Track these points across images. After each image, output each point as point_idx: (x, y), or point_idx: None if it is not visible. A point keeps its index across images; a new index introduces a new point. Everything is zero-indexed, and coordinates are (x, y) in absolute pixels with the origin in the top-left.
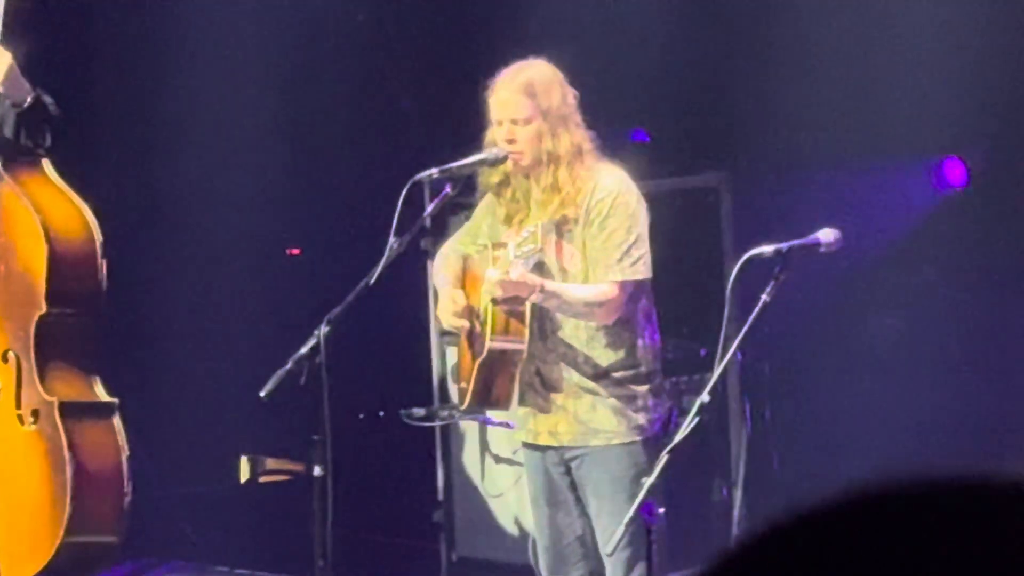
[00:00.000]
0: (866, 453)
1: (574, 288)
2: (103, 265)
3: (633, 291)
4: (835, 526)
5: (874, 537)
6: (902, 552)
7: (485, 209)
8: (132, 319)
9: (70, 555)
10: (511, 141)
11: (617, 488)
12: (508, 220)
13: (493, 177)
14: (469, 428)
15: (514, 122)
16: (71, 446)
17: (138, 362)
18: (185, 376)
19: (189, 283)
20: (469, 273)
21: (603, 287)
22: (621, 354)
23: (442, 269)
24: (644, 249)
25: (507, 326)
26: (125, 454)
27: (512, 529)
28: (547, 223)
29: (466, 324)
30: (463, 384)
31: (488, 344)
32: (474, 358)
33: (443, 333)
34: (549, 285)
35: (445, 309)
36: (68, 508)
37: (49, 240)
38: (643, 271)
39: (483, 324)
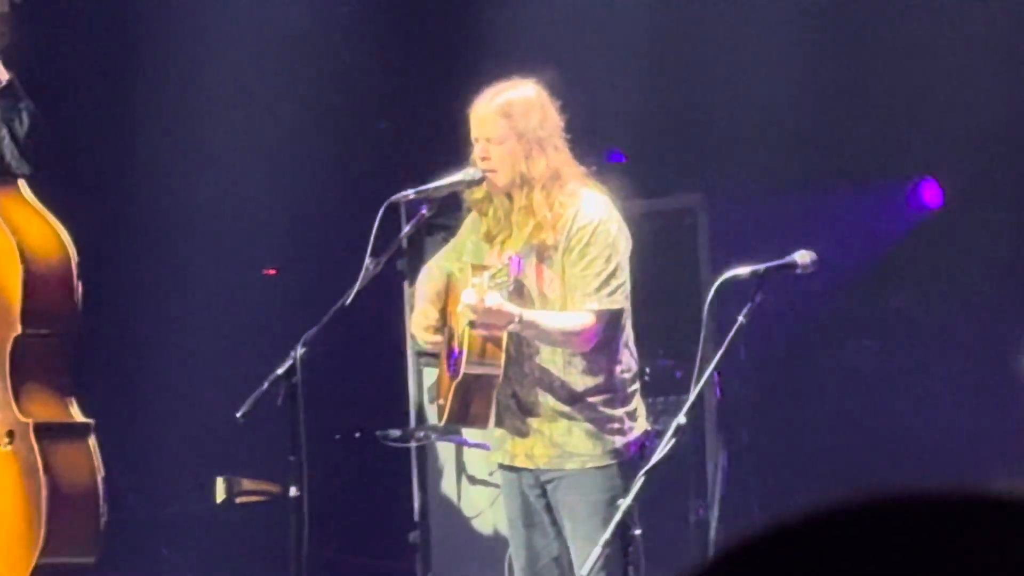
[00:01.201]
0: (843, 475)
1: (551, 317)
2: (79, 286)
3: (610, 319)
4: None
5: (860, 544)
6: (886, 560)
7: (470, 226)
8: (108, 339)
9: None
10: (485, 159)
11: (593, 511)
12: (489, 238)
13: (477, 194)
14: (445, 449)
15: (488, 140)
16: (46, 467)
17: (114, 382)
18: (161, 396)
19: (165, 303)
20: (452, 291)
21: (580, 316)
22: (598, 379)
23: (424, 284)
24: (623, 279)
25: (483, 350)
26: (100, 475)
27: (488, 551)
28: (525, 250)
29: (438, 339)
30: (441, 401)
31: (464, 368)
32: (451, 378)
33: (420, 354)
34: (527, 315)
35: (417, 324)
36: (43, 529)
37: (24, 261)
38: (620, 301)
39: (459, 347)
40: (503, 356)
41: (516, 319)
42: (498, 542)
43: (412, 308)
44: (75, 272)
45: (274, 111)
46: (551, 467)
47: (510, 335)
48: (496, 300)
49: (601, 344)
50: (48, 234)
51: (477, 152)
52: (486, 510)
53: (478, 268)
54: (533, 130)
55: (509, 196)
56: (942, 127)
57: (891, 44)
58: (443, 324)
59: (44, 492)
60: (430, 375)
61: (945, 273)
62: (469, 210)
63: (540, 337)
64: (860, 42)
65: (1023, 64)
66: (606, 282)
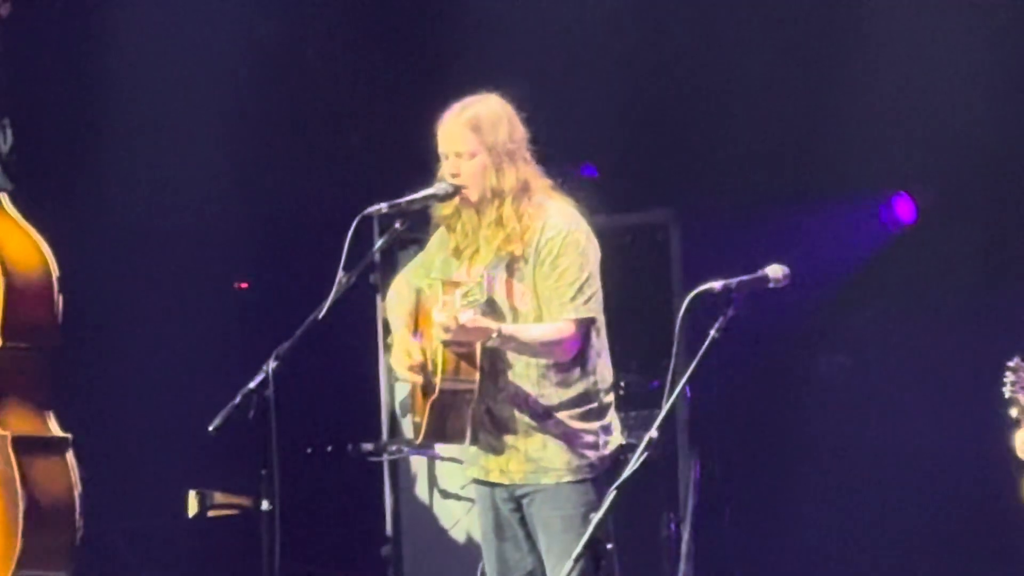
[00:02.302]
0: (814, 488)
1: (530, 329)
2: (59, 300)
3: (586, 329)
4: None
5: None
6: None
7: (438, 242)
8: (79, 353)
9: None
10: (455, 175)
11: (567, 526)
12: (458, 253)
13: (445, 210)
14: (418, 463)
15: (458, 155)
16: (24, 481)
17: (86, 396)
18: (133, 410)
19: (137, 317)
20: (422, 308)
21: (559, 326)
22: (572, 392)
23: (396, 307)
24: (595, 287)
25: (458, 367)
26: (78, 490)
27: (460, 564)
28: (494, 264)
29: (419, 380)
30: (417, 418)
31: (439, 385)
32: (425, 396)
33: (391, 368)
34: (506, 329)
35: (400, 363)
36: (20, 543)
37: (6, 274)
38: (594, 309)
39: (434, 364)
40: (478, 372)
41: (495, 334)
42: (470, 556)
43: (385, 323)
44: (56, 287)
45: (247, 124)
46: (526, 482)
47: (484, 351)
48: (471, 317)
49: (575, 356)
50: (30, 248)
51: (447, 168)
52: (458, 523)
53: (448, 285)
54: (503, 143)
55: (478, 211)
56: (915, 142)
57: (864, 59)
58: (424, 358)
59: (21, 506)
60: (402, 389)
61: (917, 288)
62: (437, 226)
63: (520, 349)
64: (833, 58)
65: (996, 80)
66: (580, 291)
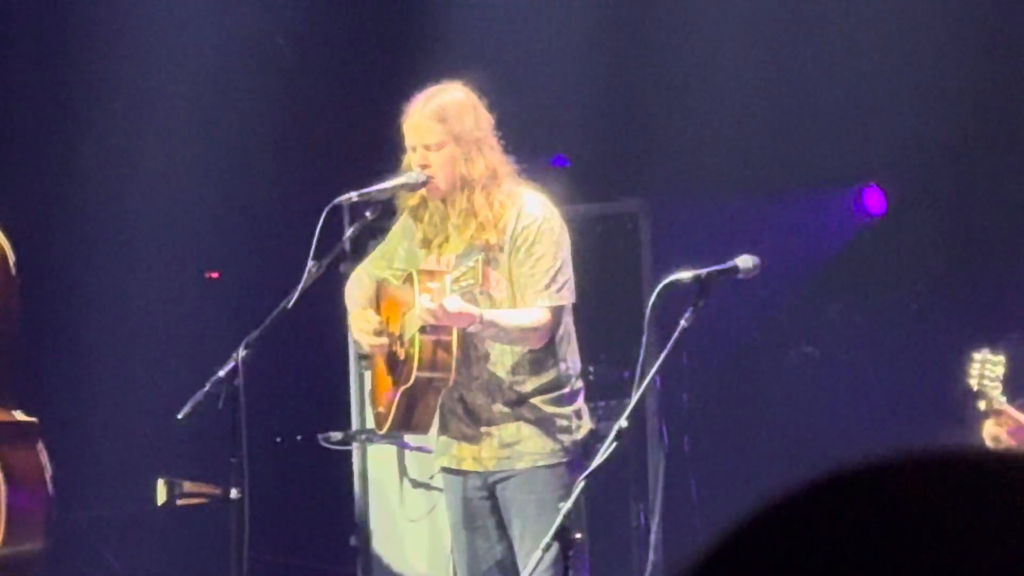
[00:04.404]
0: (784, 479)
1: (509, 315)
2: (15, 284)
3: (559, 315)
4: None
5: (847, 514)
6: (876, 527)
7: (401, 232)
8: (47, 341)
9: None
10: (425, 166)
11: (542, 509)
12: (426, 244)
13: (411, 200)
14: (387, 452)
15: (427, 147)
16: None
17: (54, 384)
18: (102, 398)
19: (107, 305)
20: (386, 298)
21: (536, 312)
22: (545, 379)
23: (355, 291)
24: (569, 274)
25: (434, 356)
26: (49, 474)
27: (428, 554)
28: (466, 253)
29: (384, 342)
30: (380, 409)
31: (415, 374)
32: (395, 383)
33: (361, 357)
34: (487, 315)
35: (362, 330)
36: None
37: None
38: (568, 296)
39: (410, 352)
40: (453, 361)
41: (478, 319)
42: (439, 545)
43: (348, 308)
44: (12, 271)
45: (216, 114)
46: (500, 468)
47: (459, 339)
48: (457, 303)
49: (547, 342)
50: None
51: (416, 160)
52: (428, 513)
53: (426, 274)
54: (470, 131)
55: (446, 200)
56: (885, 134)
57: (834, 50)
58: (384, 328)
59: (3, 489)
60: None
61: (886, 279)
62: (401, 215)
63: (499, 336)
64: (803, 48)
65: (964, 72)
66: (555, 278)
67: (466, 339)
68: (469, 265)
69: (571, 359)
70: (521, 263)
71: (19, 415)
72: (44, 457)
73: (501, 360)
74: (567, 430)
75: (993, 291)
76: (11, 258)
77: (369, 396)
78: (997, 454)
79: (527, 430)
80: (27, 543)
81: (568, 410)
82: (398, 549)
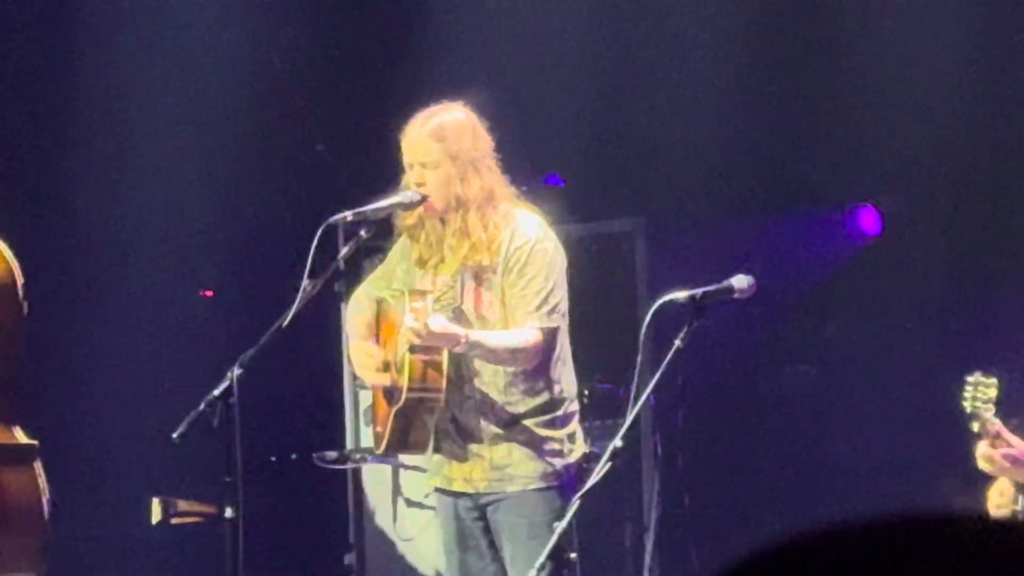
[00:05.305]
0: (778, 498)
1: (496, 336)
2: (24, 307)
3: (550, 337)
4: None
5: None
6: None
7: (400, 252)
8: (43, 360)
9: None
10: (420, 184)
11: (533, 533)
12: (422, 263)
13: (408, 219)
14: (381, 472)
15: (423, 165)
16: None
17: (49, 403)
18: (97, 417)
19: (102, 324)
20: (384, 319)
21: (524, 333)
22: (538, 400)
23: (355, 316)
24: (560, 296)
25: (424, 375)
26: (46, 496)
27: (423, 573)
28: (465, 273)
29: (387, 380)
30: (378, 428)
31: (405, 393)
32: (389, 404)
33: (356, 376)
34: (472, 335)
35: (365, 366)
36: None
37: None
38: (558, 319)
39: (400, 373)
40: (443, 380)
41: (463, 339)
42: (433, 565)
43: (347, 335)
44: (20, 293)
45: (212, 132)
46: (491, 491)
47: (450, 359)
48: (441, 323)
49: (541, 364)
50: None
51: (412, 177)
52: (421, 532)
53: (416, 293)
54: (466, 152)
55: (443, 220)
56: (881, 154)
57: (830, 71)
58: (385, 361)
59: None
60: (366, 397)
61: (882, 299)
62: (399, 235)
63: (486, 357)
64: (798, 70)
65: (960, 91)
66: (545, 300)
67: (457, 359)
68: (450, 285)
69: (566, 381)
70: (513, 284)
71: (20, 434)
72: (43, 480)
73: (494, 381)
74: (559, 453)
75: (988, 311)
76: (19, 280)
77: (367, 412)
78: (995, 521)
79: (518, 453)
80: (24, 565)
81: (561, 433)
82: (392, 569)
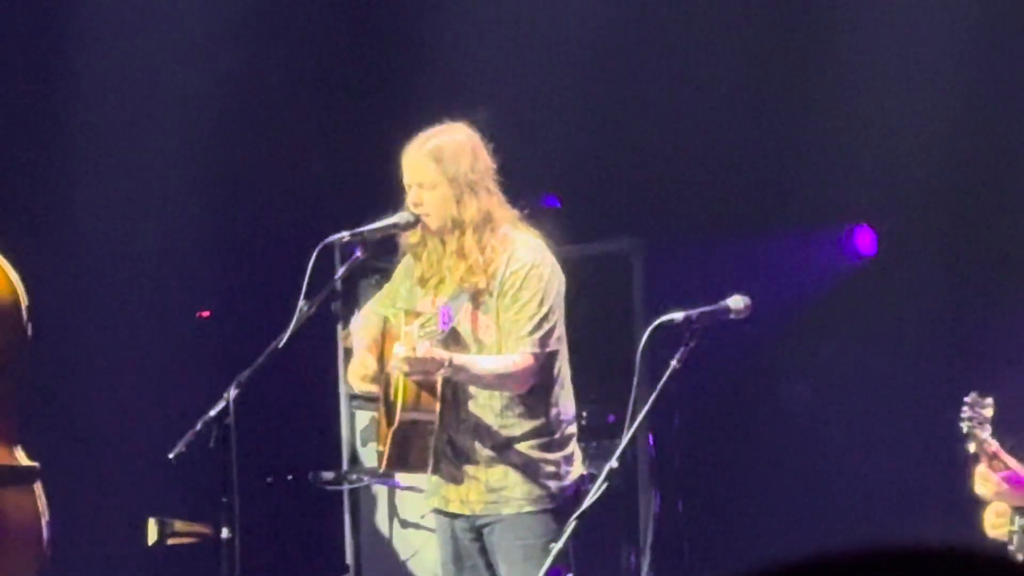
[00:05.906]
0: (774, 518)
1: (483, 360)
2: (29, 329)
3: (546, 361)
4: None
5: None
6: None
7: (404, 272)
8: (39, 380)
9: None
10: (418, 205)
11: (528, 555)
12: (423, 283)
13: (412, 238)
14: (378, 492)
15: (420, 186)
16: None
17: (45, 423)
18: (93, 437)
19: (98, 344)
20: (388, 335)
21: (514, 358)
22: (535, 423)
23: (361, 330)
24: (555, 321)
25: (418, 398)
26: (46, 519)
27: None
28: (463, 295)
29: (375, 389)
30: (380, 447)
31: (399, 415)
32: (388, 425)
33: (352, 397)
34: (457, 359)
35: (355, 373)
36: None
37: None
38: (554, 344)
39: (395, 395)
40: (438, 403)
41: (447, 363)
42: None
43: (347, 352)
44: (26, 316)
45: (209, 153)
46: (486, 512)
47: (445, 381)
48: (424, 347)
49: (537, 387)
50: None
51: (410, 197)
52: (418, 553)
53: (411, 315)
54: (464, 174)
55: (442, 240)
56: (876, 174)
57: (825, 91)
58: (380, 371)
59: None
60: (363, 417)
61: (877, 319)
62: (404, 254)
63: (474, 381)
64: (795, 89)
65: (955, 111)
66: (539, 325)
67: (453, 381)
68: (435, 311)
69: (564, 405)
70: (507, 308)
71: (21, 455)
72: (43, 502)
73: (489, 404)
74: (555, 476)
75: (984, 331)
76: (24, 303)
77: (364, 432)
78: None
79: (514, 475)
80: None
81: (557, 456)
82: None
